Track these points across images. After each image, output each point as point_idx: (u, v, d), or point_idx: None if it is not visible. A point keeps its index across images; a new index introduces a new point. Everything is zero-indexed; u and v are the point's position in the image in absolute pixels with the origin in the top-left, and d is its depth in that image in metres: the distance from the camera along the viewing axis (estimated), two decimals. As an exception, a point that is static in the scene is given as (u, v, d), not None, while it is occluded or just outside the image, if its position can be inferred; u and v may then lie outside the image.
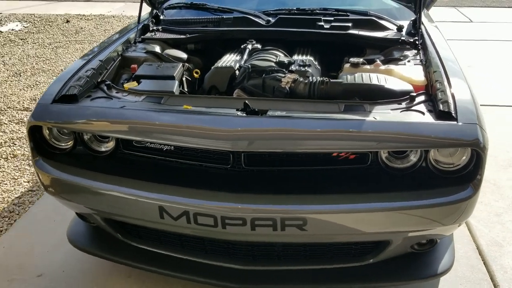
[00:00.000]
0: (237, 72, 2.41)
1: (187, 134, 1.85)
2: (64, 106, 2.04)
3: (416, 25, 2.71)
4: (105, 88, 2.19)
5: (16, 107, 4.62)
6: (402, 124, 1.80)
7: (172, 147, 1.98)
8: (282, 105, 2.00)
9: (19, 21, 8.13)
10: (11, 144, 3.89)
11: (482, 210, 2.84)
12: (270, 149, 1.82)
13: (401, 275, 2.06)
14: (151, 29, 2.95)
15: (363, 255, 2.04)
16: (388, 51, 2.61)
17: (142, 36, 2.85)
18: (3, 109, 4.60)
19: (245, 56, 2.57)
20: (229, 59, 2.56)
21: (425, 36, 2.63)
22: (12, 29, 7.65)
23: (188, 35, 2.83)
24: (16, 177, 3.43)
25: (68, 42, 6.88)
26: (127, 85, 2.28)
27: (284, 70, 2.35)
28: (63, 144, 2.11)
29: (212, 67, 2.47)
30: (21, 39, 7.04)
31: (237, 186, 1.86)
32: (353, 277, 2.05)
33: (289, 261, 2.07)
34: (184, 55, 2.72)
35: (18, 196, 3.20)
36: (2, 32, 7.49)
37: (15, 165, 3.60)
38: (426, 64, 2.32)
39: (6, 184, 3.36)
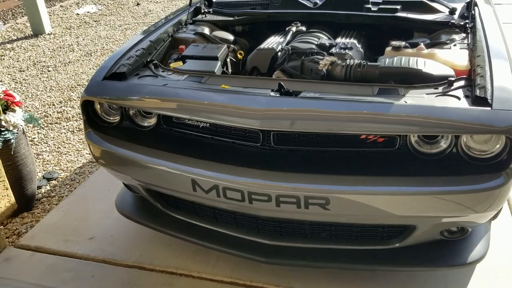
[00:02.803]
0: (279, 54, 2.47)
1: (220, 112, 1.95)
2: (113, 83, 2.20)
3: (469, 7, 2.61)
4: (152, 67, 2.33)
5: (85, 85, 4.95)
6: (431, 108, 1.78)
7: (208, 124, 2.09)
8: (317, 87, 2.03)
9: (95, 3, 8.61)
10: (78, 119, 4.20)
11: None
12: (297, 129, 1.87)
13: (429, 261, 2.04)
14: (202, 11, 3.06)
15: (389, 239, 2.05)
16: (436, 34, 2.54)
17: (193, 18, 2.98)
18: (73, 86, 4.96)
19: (288, 38, 2.62)
20: (272, 41, 2.62)
21: (477, 19, 2.52)
22: (88, 11, 8.12)
23: (236, 17, 2.91)
24: (79, 149, 3.72)
25: (136, 24, 7.21)
26: (173, 65, 2.41)
27: (323, 52, 2.37)
28: (111, 118, 2.28)
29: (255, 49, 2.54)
30: (95, 21, 7.47)
31: (265, 163, 1.93)
32: (380, 259, 2.06)
33: (315, 240, 2.12)
34: (231, 37, 2.81)
35: (80, 166, 3.48)
36: (79, 14, 7.98)
37: (80, 138, 3.89)
38: (473, 48, 2.24)
39: (70, 155, 3.66)
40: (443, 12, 2.70)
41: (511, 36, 3.18)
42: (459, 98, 1.85)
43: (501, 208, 2.29)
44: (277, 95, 1.94)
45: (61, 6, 8.48)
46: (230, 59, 2.59)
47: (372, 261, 2.07)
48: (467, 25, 2.49)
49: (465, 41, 2.37)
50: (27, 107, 4.46)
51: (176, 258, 2.46)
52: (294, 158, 1.95)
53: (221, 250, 2.23)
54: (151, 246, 2.56)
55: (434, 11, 2.70)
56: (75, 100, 4.62)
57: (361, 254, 2.08)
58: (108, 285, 2.33)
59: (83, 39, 6.55)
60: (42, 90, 4.88)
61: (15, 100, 2.74)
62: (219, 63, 2.38)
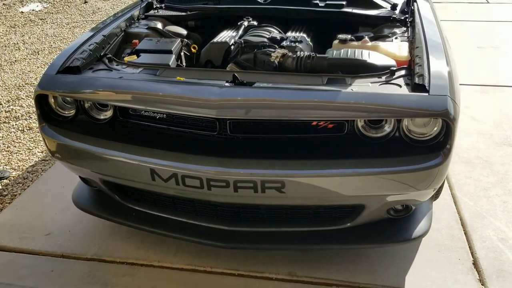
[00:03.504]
0: (232, 47, 2.55)
1: (177, 103, 2.00)
2: (67, 76, 2.21)
3: (408, 3, 2.79)
4: (106, 61, 2.35)
5: (33, 83, 4.84)
6: (375, 95, 1.91)
7: (164, 115, 2.14)
8: (270, 78, 2.13)
9: (39, 1, 8.36)
10: (27, 118, 4.11)
11: (470, 184, 2.93)
12: (252, 117, 1.96)
13: (377, 238, 2.19)
14: (154, 6, 3.10)
15: (341, 219, 2.17)
16: (379, 28, 2.70)
17: (145, 13, 3.00)
18: (21, 85, 4.83)
19: (240, 32, 2.71)
20: (225, 35, 2.69)
21: (416, 14, 2.70)
22: (33, 10, 7.88)
23: (189, 12, 2.97)
24: (31, 148, 3.65)
25: (85, 22, 7.07)
26: (127, 58, 2.44)
27: (275, 45, 2.47)
28: (66, 112, 2.28)
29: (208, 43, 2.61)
30: (41, 19, 7.27)
31: (222, 151, 2.01)
32: (332, 239, 2.19)
33: (273, 223, 2.21)
34: (184, 31, 2.86)
35: (32, 164, 3.42)
36: (23, 12, 7.73)
37: (30, 137, 3.82)
38: (412, 41, 2.41)
39: (21, 154, 3.58)
40: (386, 8, 2.87)
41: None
42: (400, 86, 1.99)
43: (441, 189, 2.49)
44: (232, 85, 2.02)
45: (4, 4, 8.18)
46: (184, 53, 2.65)
47: (326, 241, 2.19)
48: (407, 20, 2.66)
49: (406, 34, 2.54)
50: (-27, 107, 4.32)
51: (136, 250, 2.49)
52: (250, 145, 2.04)
53: (180, 238, 2.29)
54: (110, 239, 2.58)
55: (377, 6, 2.87)
56: (23, 99, 4.51)
57: (315, 235, 2.20)
58: (68, 279, 2.33)
59: (29, 38, 6.37)
60: (-13, 90, 4.73)
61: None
62: (173, 56, 2.43)
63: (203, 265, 2.37)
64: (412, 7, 2.78)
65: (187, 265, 2.38)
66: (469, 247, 2.44)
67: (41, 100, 2.23)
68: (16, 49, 5.92)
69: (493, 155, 3.25)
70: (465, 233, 2.54)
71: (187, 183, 2.01)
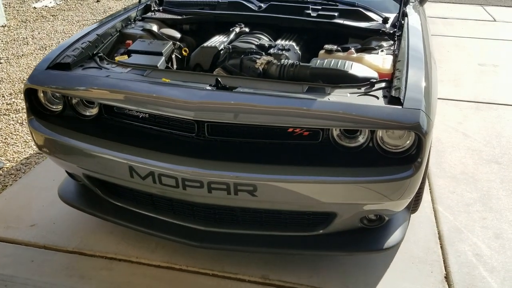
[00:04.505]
0: (221, 52, 2.61)
1: (158, 103, 2.06)
2: (56, 72, 2.28)
3: (399, 17, 2.83)
4: (97, 59, 2.42)
5: (37, 78, 4.93)
6: (350, 105, 1.95)
7: (147, 114, 2.20)
8: (252, 83, 2.18)
9: (53, -2, 8.51)
10: (28, 111, 4.19)
11: (452, 199, 2.95)
12: (229, 121, 2.01)
13: (350, 246, 2.23)
14: (152, 9, 3.17)
15: (314, 226, 2.21)
16: (368, 40, 2.74)
17: (142, 15, 3.08)
18: (25, 78, 4.93)
19: (231, 38, 2.77)
20: (216, 40, 2.76)
21: (405, 28, 2.74)
22: (46, 6, 8.03)
23: (184, 16, 3.04)
24: (27, 141, 3.73)
25: (95, 20, 7.19)
26: (118, 58, 2.51)
27: (262, 52, 2.53)
28: (54, 107, 2.36)
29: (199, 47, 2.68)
30: (52, 16, 7.40)
31: (199, 152, 2.06)
32: (305, 244, 2.23)
33: (247, 226, 2.26)
34: (177, 35, 2.93)
35: (26, 157, 3.50)
36: (36, 8, 7.87)
37: (28, 130, 3.90)
38: (397, 54, 2.45)
39: (17, 146, 3.67)
40: (377, 21, 2.91)
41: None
42: (377, 98, 2.03)
43: (419, 202, 2.52)
44: (214, 89, 2.08)
45: (17, -2, 8.34)
46: (176, 56, 2.71)
47: (299, 247, 2.23)
48: (396, 33, 2.70)
49: (392, 48, 2.58)
50: (-24, 98, 4.42)
51: (116, 245, 2.55)
52: (226, 148, 2.09)
53: (158, 236, 2.34)
54: (93, 233, 2.64)
55: (369, 19, 2.91)
56: (26, 92, 4.60)
57: (289, 240, 2.24)
58: (47, 269, 2.39)
59: (39, 33, 6.49)
60: (-8, 82, 4.84)
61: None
62: (163, 58, 2.50)
63: (179, 263, 2.41)
64: (403, 21, 2.81)
65: (164, 262, 2.43)
66: (443, 260, 2.46)
67: (30, 94, 2.31)
68: (25, 44, 6.04)
69: (480, 172, 3.26)
70: (441, 246, 2.56)
71: (163, 181, 2.06)
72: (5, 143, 3.70)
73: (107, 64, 2.39)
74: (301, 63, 2.36)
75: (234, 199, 2.04)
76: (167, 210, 2.34)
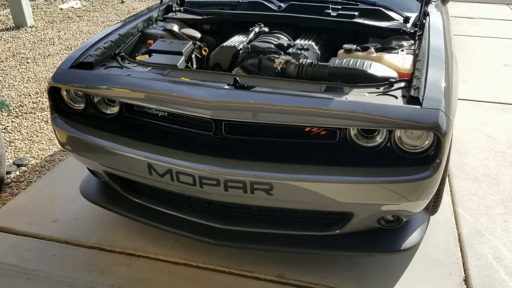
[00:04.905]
0: (240, 52, 2.62)
1: (176, 102, 2.09)
2: (79, 71, 2.33)
3: (420, 17, 2.80)
4: (119, 59, 2.47)
5: (62, 77, 5.04)
6: (368, 105, 1.94)
7: (166, 113, 2.23)
8: (270, 83, 2.19)
9: (79, -1, 8.69)
10: (53, 109, 4.29)
11: (473, 201, 2.90)
12: (246, 120, 2.02)
13: (367, 247, 2.21)
14: (173, 9, 3.21)
15: (330, 226, 2.21)
16: (388, 40, 2.72)
17: (164, 16, 3.12)
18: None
19: (250, 38, 2.78)
20: (235, 40, 2.77)
21: (426, 28, 2.71)
22: (72, 7, 8.20)
23: (204, 16, 3.07)
24: (52, 138, 3.82)
25: (119, 21, 7.30)
26: (139, 57, 2.55)
27: (280, 51, 2.53)
28: (76, 105, 2.41)
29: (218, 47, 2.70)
30: (78, 16, 7.55)
31: (216, 151, 2.08)
32: (321, 244, 2.22)
33: (263, 225, 2.27)
34: (198, 34, 2.96)
35: (50, 154, 3.59)
36: (62, 9, 8.05)
37: (52, 128, 3.99)
38: (418, 54, 2.42)
39: (42, 143, 3.76)
40: (398, 20, 2.88)
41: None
42: (396, 97, 2.02)
43: (439, 203, 2.49)
44: (232, 88, 2.10)
45: (45, 0, 8.54)
46: (195, 55, 2.74)
47: (315, 246, 2.23)
48: (417, 33, 2.67)
49: (412, 47, 2.55)
50: (3, 96, 4.54)
51: (135, 241, 2.59)
52: (243, 147, 2.10)
53: (176, 233, 2.37)
54: (113, 229, 2.68)
55: (389, 18, 2.88)
56: (51, 91, 4.71)
57: (305, 239, 2.24)
58: (69, 264, 2.44)
59: (65, 34, 6.64)
60: (19, 81, 4.96)
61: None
62: (183, 58, 2.53)
63: (197, 261, 2.44)
64: (424, 21, 2.78)
65: (181, 259, 2.46)
66: (463, 263, 2.42)
67: (54, 93, 2.37)
68: (51, 44, 6.18)
69: (503, 174, 3.20)
70: (460, 249, 2.52)
71: (181, 179, 2.09)
72: (31, 140, 3.80)
73: (128, 63, 2.43)
74: (319, 63, 2.36)
75: (250, 197, 2.05)
76: (185, 207, 2.37)
